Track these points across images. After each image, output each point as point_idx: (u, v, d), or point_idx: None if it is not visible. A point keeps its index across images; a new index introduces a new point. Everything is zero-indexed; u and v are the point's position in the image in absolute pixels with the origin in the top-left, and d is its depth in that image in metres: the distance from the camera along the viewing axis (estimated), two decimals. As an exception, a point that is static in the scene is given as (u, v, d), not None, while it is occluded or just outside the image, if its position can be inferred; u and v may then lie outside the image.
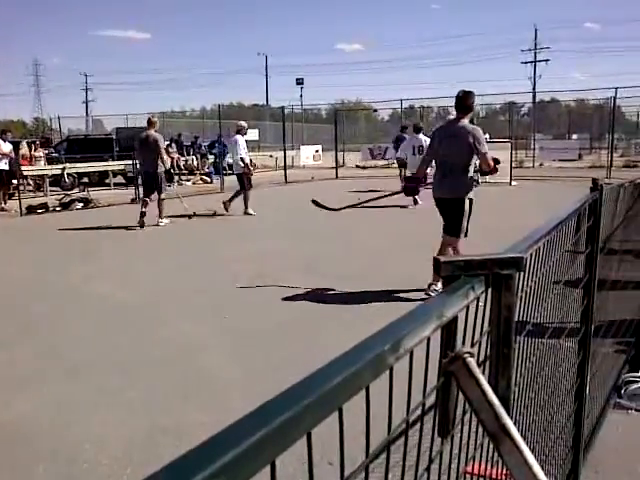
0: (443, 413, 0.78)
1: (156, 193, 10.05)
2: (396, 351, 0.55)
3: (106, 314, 5.13)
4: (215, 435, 0.40)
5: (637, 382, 3.23)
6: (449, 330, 0.73)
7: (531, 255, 1.07)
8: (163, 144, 10.41)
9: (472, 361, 0.72)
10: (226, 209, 11.31)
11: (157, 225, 10.06)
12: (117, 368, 3.88)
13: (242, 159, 11.04)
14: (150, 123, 10.29)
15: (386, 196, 6.97)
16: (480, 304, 0.83)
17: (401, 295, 5.44)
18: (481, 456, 1.03)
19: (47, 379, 3.74)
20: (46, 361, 4.06)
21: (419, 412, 0.74)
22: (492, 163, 5.37)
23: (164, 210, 10.22)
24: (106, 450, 2.88)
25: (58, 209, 12.88)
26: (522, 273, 0.90)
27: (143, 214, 9.90)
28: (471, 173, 5.31)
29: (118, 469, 2.72)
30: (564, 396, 2.14)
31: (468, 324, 0.84)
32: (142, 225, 9.87)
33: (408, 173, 11.15)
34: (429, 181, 5.76)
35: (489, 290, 0.81)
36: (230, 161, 12.34)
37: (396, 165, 22.40)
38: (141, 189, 11.44)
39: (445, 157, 5.24)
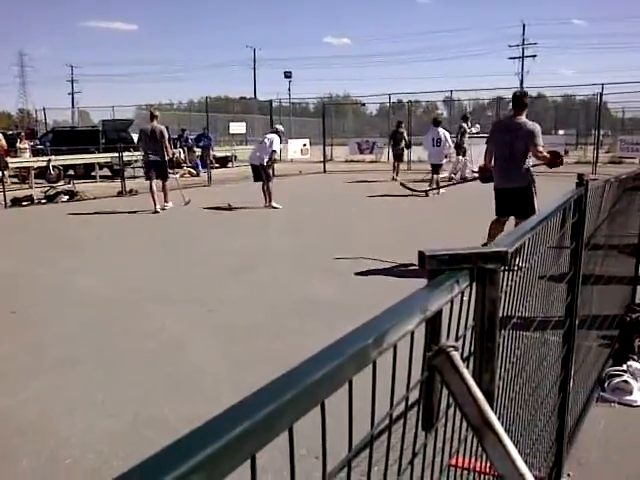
0: (427, 407, 0.78)
1: (160, 180, 11.04)
2: (379, 345, 0.54)
3: (90, 308, 5.09)
4: (195, 429, 0.40)
5: (620, 376, 3.26)
6: (433, 324, 0.73)
7: (516, 249, 1.08)
8: (167, 135, 11.13)
9: (456, 355, 0.72)
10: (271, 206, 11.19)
11: (163, 209, 10.99)
12: (102, 362, 3.86)
13: (274, 151, 11.14)
14: (153, 116, 11.13)
15: (461, 182, 7.33)
16: (465, 298, 0.84)
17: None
18: (465, 449, 1.04)
19: (31, 373, 3.71)
20: (30, 355, 4.02)
21: (403, 407, 0.74)
22: (548, 156, 5.90)
23: (168, 194, 11.23)
24: (91, 444, 2.86)
25: (43, 201, 12.75)
26: (506, 267, 0.90)
27: (155, 200, 10.89)
28: (529, 164, 5.85)
29: (103, 463, 2.71)
30: (548, 389, 2.16)
31: (452, 318, 0.84)
32: (162, 209, 10.97)
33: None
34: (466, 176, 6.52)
35: (473, 284, 0.81)
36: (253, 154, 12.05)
37: (385, 160, 22.77)
38: (128, 180, 11.91)
39: (506, 149, 5.72)
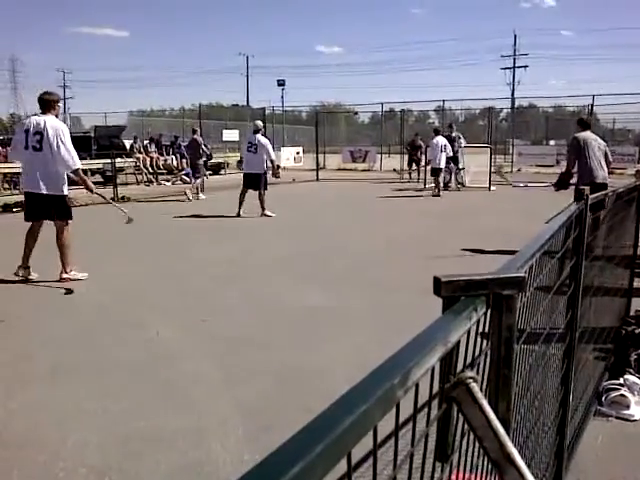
0: (442, 438, 0.75)
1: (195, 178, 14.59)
2: (404, 384, 0.51)
3: (81, 316, 5.03)
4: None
5: (617, 389, 3.25)
6: (450, 353, 0.71)
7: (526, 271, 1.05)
8: (202, 142, 15.14)
9: (475, 386, 0.69)
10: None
11: (197, 199, 14.17)
12: (94, 373, 3.80)
13: (272, 161, 11.31)
14: (194, 131, 15.73)
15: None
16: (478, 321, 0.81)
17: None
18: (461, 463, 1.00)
19: (21, 384, 3.64)
20: (20, 365, 3.95)
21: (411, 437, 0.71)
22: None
23: (199, 187, 14.72)
24: (83, 457, 2.80)
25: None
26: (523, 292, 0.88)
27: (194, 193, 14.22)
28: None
29: (95, 477, 2.65)
30: (549, 405, 2.14)
31: (461, 343, 0.82)
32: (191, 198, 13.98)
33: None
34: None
35: (489, 311, 0.79)
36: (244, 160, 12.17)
37: (377, 168, 23.43)
38: (120, 187, 11.96)
39: (595, 156, 6.84)
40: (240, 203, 11.08)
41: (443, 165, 15.29)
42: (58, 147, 5.90)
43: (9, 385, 3.62)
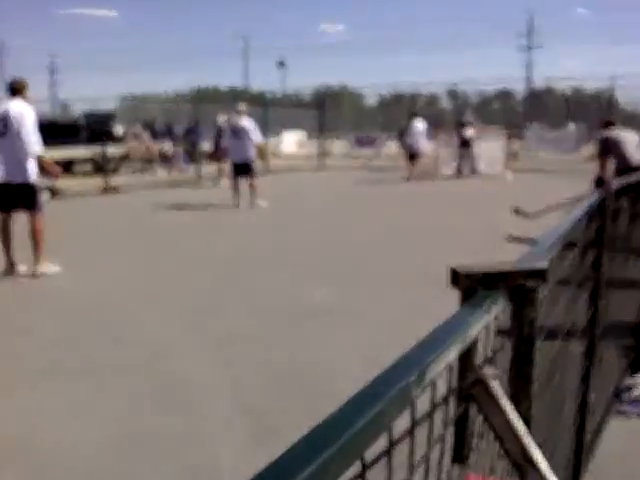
0: (459, 439, 0.75)
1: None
2: (421, 382, 0.51)
3: (76, 314, 5.04)
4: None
5: (638, 387, 3.24)
6: (468, 349, 0.70)
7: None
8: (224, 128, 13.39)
9: (495, 384, 0.69)
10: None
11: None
12: (88, 372, 3.81)
13: (258, 143, 10.87)
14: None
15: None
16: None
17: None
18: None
19: (15, 384, 3.66)
20: (14, 365, 3.98)
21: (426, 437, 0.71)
22: None
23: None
24: (78, 459, 2.82)
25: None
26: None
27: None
28: None
29: (90, 479, 2.67)
30: (569, 403, 2.14)
31: (479, 337, 0.81)
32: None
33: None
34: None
35: (508, 304, 0.78)
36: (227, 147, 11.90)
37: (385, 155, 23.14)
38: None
39: (628, 143, 6.82)
40: (234, 192, 10.85)
41: (423, 150, 15.50)
42: (19, 131, 5.92)
43: (2, 386, 3.64)
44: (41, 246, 6.17)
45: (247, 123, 10.83)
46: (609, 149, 7.00)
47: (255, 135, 10.80)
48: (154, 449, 2.89)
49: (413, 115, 16.38)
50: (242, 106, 11.18)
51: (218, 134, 14.86)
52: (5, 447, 2.95)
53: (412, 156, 15.44)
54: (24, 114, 6.05)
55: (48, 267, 6.19)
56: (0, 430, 3.12)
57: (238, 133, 10.73)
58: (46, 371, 3.83)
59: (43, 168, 6.36)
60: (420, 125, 15.70)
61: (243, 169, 10.75)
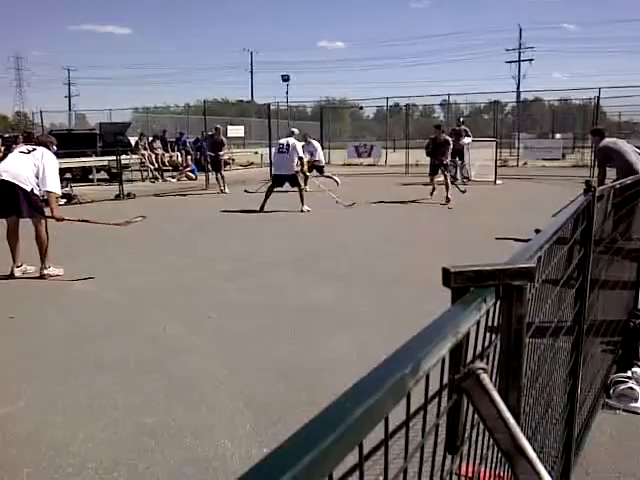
0: (452, 430, 0.75)
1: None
2: (416, 374, 0.51)
3: (90, 313, 5.04)
4: None
5: (625, 382, 3.24)
6: (459, 344, 0.70)
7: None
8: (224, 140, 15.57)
9: (486, 377, 0.69)
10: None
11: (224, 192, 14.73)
12: (101, 369, 3.81)
13: (301, 158, 11.77)
14: (217, 129, 15.56)
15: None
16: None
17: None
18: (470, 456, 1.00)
19: (29, 380, 3.66)
20: (29, 361, 3.97)
21: (419, 428, 0.71)
22: None
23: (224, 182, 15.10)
24: (91, 453, 2.82)
25: (41, 205, 12.67)
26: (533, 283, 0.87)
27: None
28: None
29: (104, 473, 2.66)
30: (557, 397, 2.13)
31: (471, 334, 0.81)
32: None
33: None
34: None
35: (498, 302, 0.78)
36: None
37: (382, 163, 23.19)
38: (125, 184, 11.76)
39: (629, 152, 6.83)
40: (265, 199, 11.43)
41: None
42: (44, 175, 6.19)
43: (18, 382, 3.64)
44: (45, 249, 6.27)
45: (294, 142, 11.77)
46: (610, 158, 6.84)
47: (299, 154, 11.69)
48: (165, 441, 2.88)
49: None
50: (295, 130, 13.10)
51: (212, 145, 15.41)
52: (19, 442, 2.95)
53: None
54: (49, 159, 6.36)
55: (52, 269, 6.32)
56: (17, 424, 3.12)
57: (284, 148, 11.63)
58: (60, 368, 3.83)
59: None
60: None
61: (284, 180, 11.55)
